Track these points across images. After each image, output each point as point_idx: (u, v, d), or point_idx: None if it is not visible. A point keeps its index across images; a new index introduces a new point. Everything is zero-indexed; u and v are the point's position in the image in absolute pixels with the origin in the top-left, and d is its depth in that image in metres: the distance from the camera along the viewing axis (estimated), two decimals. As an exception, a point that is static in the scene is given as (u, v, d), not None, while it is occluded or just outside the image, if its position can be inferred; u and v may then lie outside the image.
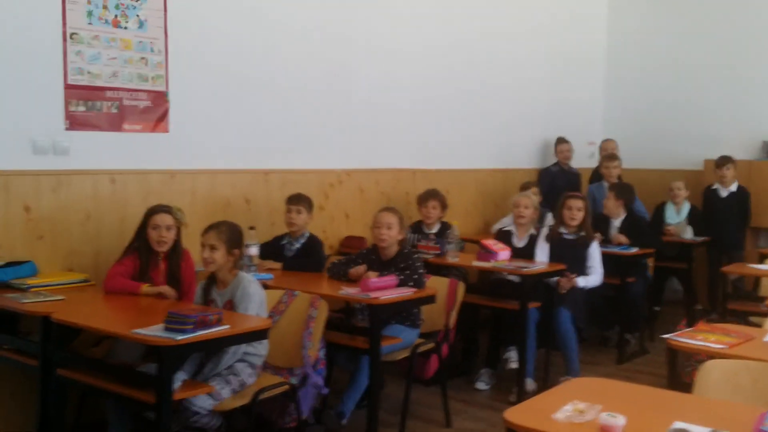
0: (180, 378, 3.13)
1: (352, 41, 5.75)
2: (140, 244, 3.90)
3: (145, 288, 3.74)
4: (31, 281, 3.83)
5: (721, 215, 6.82)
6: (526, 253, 5.30)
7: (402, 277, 4.11)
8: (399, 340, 4.07)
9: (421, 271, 4.22)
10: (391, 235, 4.32)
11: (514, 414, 2.21)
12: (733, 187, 6.91)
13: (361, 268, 4.27)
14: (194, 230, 4.71)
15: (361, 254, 4.48)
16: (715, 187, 6.98)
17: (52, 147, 4.14)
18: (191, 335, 2.90)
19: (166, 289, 3.76)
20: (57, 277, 3.97)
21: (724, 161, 6.88)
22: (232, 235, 3.58)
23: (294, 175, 5.37)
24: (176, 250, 3.95)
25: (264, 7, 5.15)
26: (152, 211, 3.93)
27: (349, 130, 5.78)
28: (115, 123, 4.39)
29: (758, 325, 3.62)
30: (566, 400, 2.28)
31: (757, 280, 5.26)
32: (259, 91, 5.17)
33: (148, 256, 3.89)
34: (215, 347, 3.25)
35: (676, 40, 8.07)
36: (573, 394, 2.35)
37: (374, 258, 4.39)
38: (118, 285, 3.77)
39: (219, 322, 3.05)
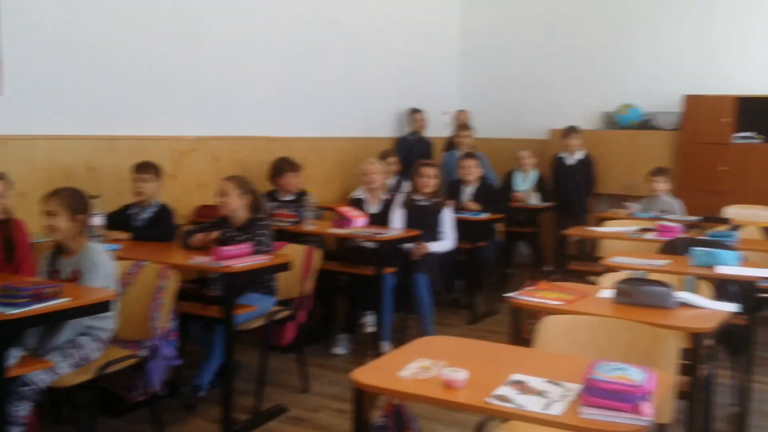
0: (16, 354, 2.94)
1: (205, 5, 5.54)
2: None
3: None
4: None
5: (569, 182, 7.21)
6: (380, 218, 5.38)
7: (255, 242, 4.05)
8: (254, 308, 4.02)
9: (263, 235, 4.16)
10: (228, 202, 4.25)
11: (363, 374, 2.23)
12: (580, 155, 7.30)
13: (200, 234, 4.17)
14: (32, 201, 4.44)
15: (214, 223, 4.38)
16: (562, 155, 7.35)
17: None
18: (25, 309, 2.73)
19: None
20: None
21: (570, 131, 7.25)
22: (74, 200, 3.39)
23: (143, 142, 5.14)
24: (8, 221, 3.70)
25: (106, -37, 4.86)
26: None
27: (203, 96, 5.59)
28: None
29: (594, 284, 3.84)
30: (413, 358, 2.33)
31: (595, 241, 5.60)
32: (104, 54, 4.88)
33: None
34: (54, 321, 3.07)
35: (522, 16, 8.39)
36: (420, 352, 2.41)
37: (227, 226, 4.30)
38: None
39: (57, 295, 2.88)
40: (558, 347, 2.79)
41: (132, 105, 5.09)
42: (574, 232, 5.70)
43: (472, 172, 6.28)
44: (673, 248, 4.52)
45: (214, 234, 4.17)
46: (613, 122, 7.74)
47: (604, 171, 7.63)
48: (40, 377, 3.03)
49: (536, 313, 3.10)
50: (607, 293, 3.24)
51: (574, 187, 7.22)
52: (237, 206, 4.26)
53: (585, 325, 2.85)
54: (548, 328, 2.83)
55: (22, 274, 3.63)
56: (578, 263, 5.71)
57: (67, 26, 4.64)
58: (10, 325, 2.72)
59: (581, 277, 5.18)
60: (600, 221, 5.84)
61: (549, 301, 3.11)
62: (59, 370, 3.10)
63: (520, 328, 3.27)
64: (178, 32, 5.36)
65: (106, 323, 3.36)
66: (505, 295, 3.25)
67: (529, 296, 3.18)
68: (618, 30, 7.90)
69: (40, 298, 2.81)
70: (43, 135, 4.54)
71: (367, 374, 2.24)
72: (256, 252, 3.97)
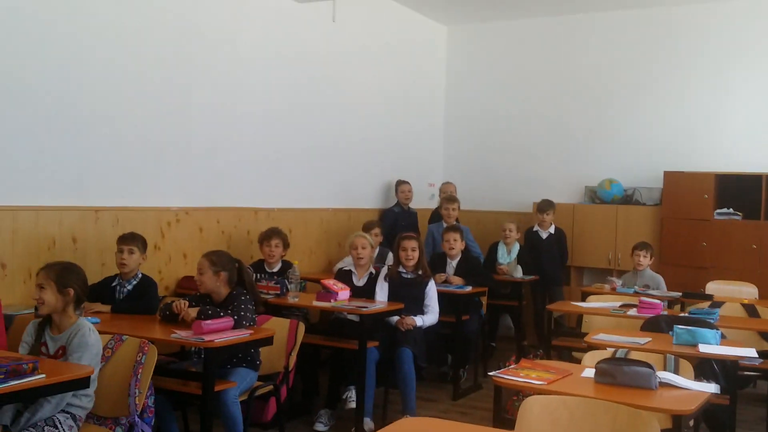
0: (-10, 431, 2.89)
1: (192, 77, 5.65)
2: None
3: None
4: None
5: (543, 255, 7.29)
6: (366, 291, 5.39)
7: (236, 318, 4.03)
8: (234, 384, 3.97)
9: (246, 309, 4.12)
10: (203, 281, 4.24)
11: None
12: (551, 229, 7.42)
13: (182, 303, 4.14)
14: (14, 272, 4.44)
15: (195, 297, 4.35)
16: (536, 228, 7.46)
17: None
18: (2, 385, 2.69)
19: None
20: None
21: (544, 206, 7.38)
22: (62, 273, 3.36)
23: (127, 213, 5.16)
24: None
25: (97, 37, 4.95)
26: None
27: (188, 168, 5.64)
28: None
29: (579, 361, 3.85)
30: (393, 441, 2.31)
31: (579, 316, 5.62)
32: (90, 125, 4.93)
33: None
34: (30, 398, 3.02)
35: (507, 91, 8.61)
36: (400, 435, 2.39)
37: (208, 301, 4.28)
38: None
39: (34, 371, 2.84)
40: (540, 428, 2.77)
41: (116, 176, 5.12)
42: (558, 307, 5.72)
43: (455, 245, 6.32)
44: (655, 324, 4.54)
45: (193, 312, 4.10)
46: (597, 197, 7.86)
47: (589, 244, 7.72)
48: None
49: (522, 391, 3.10)
50: (590, 372, 3.25)
51: (549, 260, 7.30)
52: (212, 284, 4.26)
53: (567, 405, 2.84)
54: (530, 409, 2.82)
55: (-2, 347, 3.61)
56: (562, 339, 5.70)
57: (54, 98, 4.70)
58: (-14, 403, 2.68)
59: (566, 353, 5.18)
60: (585, 296, 5.87)
61: (531, 380, 3.11)
62: (33, 449, 3.04)
63: (504, 407, 3.26)
64: (164, 104, 5.43)
65: (84, 401, 3.31)
66: (490, 373, 3.24)
67: (511, 375, 3.17)
68: (600, 107, 8.10)
69: (17, 374, 2.77)
70: (25, 206, 4.55)
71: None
72: (237, 326, 3.95)
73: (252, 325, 4.12)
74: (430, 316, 5.40)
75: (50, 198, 4.69)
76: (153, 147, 5.37)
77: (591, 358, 3.54)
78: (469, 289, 5.99)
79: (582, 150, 8.17)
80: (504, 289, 6.96)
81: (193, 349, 4.34)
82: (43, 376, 2.85)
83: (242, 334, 3.90)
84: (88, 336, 3.31)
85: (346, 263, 5.95)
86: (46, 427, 3.13)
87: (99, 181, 5.00)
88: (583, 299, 5.78)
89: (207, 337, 3.70)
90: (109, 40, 5.03)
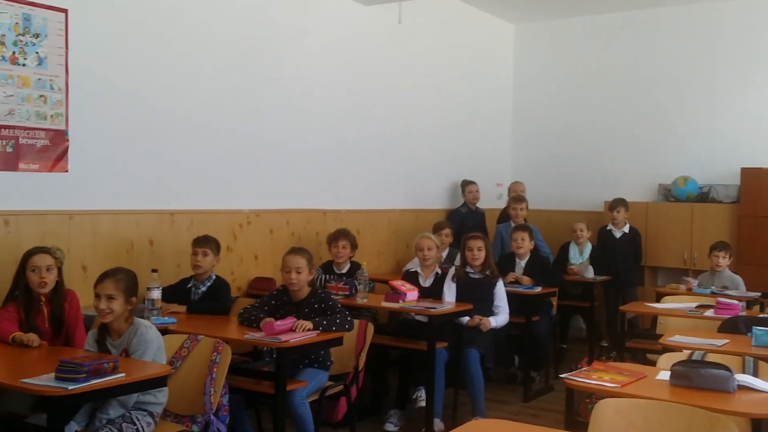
0: (72, 429, 3.01)
1: (262, 81, 5.76)
2: (19, 290, 3.77)
3: (15, 335, 3.58)
4: None
5: (617, 255, 7.13)
6: (432, 292, 5.39)
7: (325, 321, 4.07)
8: (305, 384, 4.03)
9: (342, 311, 4.19)
10: (301, 279, 4.30)
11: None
12: (626, 228, 7.25)
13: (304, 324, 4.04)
14: (93, 274, 4.58)
15: (272, 295, 4.43)
16: (609, 227, 7.30)
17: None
18: (84, 384, 2.80)
19: (29, 337, 3.57)
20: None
21: (615, 204, 7.23)
22: (130, 283, 3.43)
23: (201, 215, 5.29)
24: (58, 291, 3.83)
25: (171, 46, 5.10)
26: (30, 253, 3.80)
27: (259, 170, 5.75)
28: (10, 162, 4.24)
29: (653, 363, 3.76)
30: (463, 443, 2.31)
31: (654, 318, 5.48)
32: (166, 131, 5.09)
33: (29, 301, 3.76)
34: (110, 396, 3.13)
35: (576, 88, 8.44)
36: (470, 436, 2.38)
37: (285, 299, 4.36)
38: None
39: (114, 371, 2.95)
40: (613, 432, 2.72)
41: (191, 180, 5.26)
42: (631, 308, 5.59)
43: (523, 245, 6.25)
44: (733, 326, 4.40)
45: (308, 324, 4.02)
46: (671, 195, 7.65)
47: (662, 244, 7.52)
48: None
49: (595, 393, 3.05)
50: (665, 375, 3.17)
51: (623, 259, 7.14)
52: (305, 283, 4.33)
53: (641, 409, 2.79)
54: (603, 412, 2.78)
55: (77, 345, 3.75)
56: (636, 341, 5.58)
57: (132, 105, 4.86)
58: (69, 401, 2.80)
59: (640, 355, 5.06)
60: (660, 297, 5.72)
61: (604, 383, 3.06)
62: (113, 445, 3.14)
63: (576, 410, 3.21)
64: (235, 108, 5.56)
65: (159, 397, 3.40)
66: (561, 375, 3.20)
67: (584, 377, 3.12)
68: (673, 102, 7.88)
69: (98, 373, 2.88)
70: (106, 210, 4.73)
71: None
72: (338, 328, 4.05)
73: (349, 329, 4.17)
74: (501, 317, 5.36)
75: (128, 202, 4.86)
76: (226, 152, 5.50)
77: (666, 361, 3.46)
78: (538, 289, 5.91)
79: (655, 147, 7.96)
80: (575, 289, 6.85)
81: (265, 349, 4.43)
82: (123, 375, 2.96)
83: (311, 335, 3.95)
84: (146, 333, 3.37)
85: (413, 264, 5.96)
86: (123, 424, 3.23)
87: (174, 185, 5.15)
88: (658, 300, 5.63)
89: (282, 338, 3.76)
90: (183, 46, 5.17)
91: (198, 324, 4.18)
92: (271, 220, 5.85)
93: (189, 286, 4.75)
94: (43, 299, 3.79)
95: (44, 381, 2.84)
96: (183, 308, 4.54)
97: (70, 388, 2.77)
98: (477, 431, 2.50)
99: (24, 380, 2.85)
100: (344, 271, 5.65)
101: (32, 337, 3.58)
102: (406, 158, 7.24)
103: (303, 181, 6.14)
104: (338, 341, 4.11)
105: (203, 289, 4.71)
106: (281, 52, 5.92)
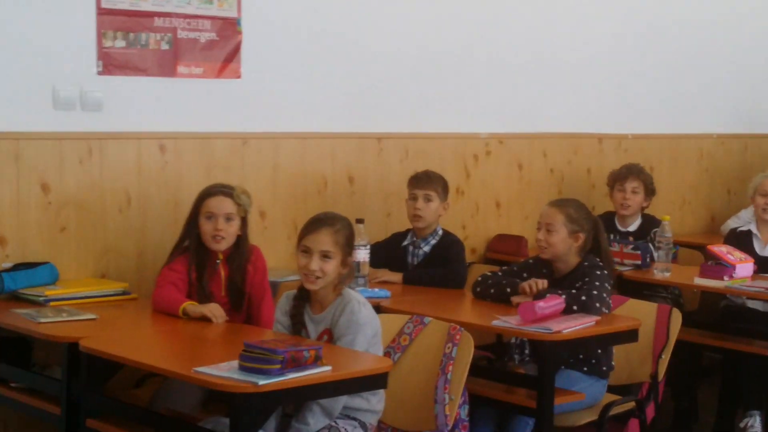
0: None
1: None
2: (192, 241, 4.00)
3: (188, 306, 3.79)
4: (50, 292, 3.97)
5: None
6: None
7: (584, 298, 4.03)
8: (582, 397, 4.00)
9: (598, 290, 4.09)
10: (552, 243, 4.24)
11: None
12: None
13: (534, 284, 4.15)
14: (276, 223, 4.81)
15: (526, 265, 4.44)
16: None
17: (79, 99, 4.29)
18: (279, 379, 2.91)
19: (212, 309, 3.77)
20: (86, 287, 4.13)
21: None
22: (350, 237, 3.57)
23: (420, 142, 5.40)
24: (240, 250, 4.03)
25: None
26: (206, 194, 4.03)
27: (501, 81, 5.79)
28: (166, 64, 4.51)
29: None
30: None
31: None
32: (373, 29, 5.20)
33: (203, 258, 3.99)
34: (311, 398, 3.25)
35: None
36: None
37: (544, 273, 4.32)
38: (163, 300, 3.89)
39: (317, 361, 3.03)
40: None
41: (407, 93, 5.36)
42: None
43: None
44: None
45: (541, 283, 4.13)
46: None
47: None
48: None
49: None
50: None
51: None
52: (564, 249, 4.27)
53: None
54: None
55: (263, 324, 3.95)
56: None
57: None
58: (259, 401, 2.90)
59: None
60: None
61: None
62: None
63: None
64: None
65: (374, 403, 3.51)
66: None
67: None
68: None
69: (297, 363, 2.97)
70: (291, 132, 4.92)
71: None
72: (587, 310, 3.97)
73: (606, 313, 4.10)
74: None
75: (321, 122, 5.03)
76: (455, 57, 5.56)
77: None
78: None
79: None
80: None
81: (513, 340, 4.43)
82: (329, 368, 3.04)
83: (588, 322, 3.88)
84: (359, 311, 3.46)
85: (743, 220, 5.73)
86: (331, 438, 3.37)
87: (383, 101, 5.27)
88: None
89: (554, 326, 3.73)
90: None
91: (422, 300, 4.27)
92: (520, 149, 5.88)
93: (405, 244, 4.87)
94: (221, 257, 4.01)
95: (225, 372, 2.95)
96: (398, 276, 4.65)
97: (261, 383, 2.88)
98: None
99: (198, 369, 2.99)
100: (633, 228, 5.62)
101: (216, 310, 3.78)
102: (726, 59, 6.99)
103: (568, 96, 6.13)
104: (631, 335, 4.03)
105: (426, 248, 4.81)
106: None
